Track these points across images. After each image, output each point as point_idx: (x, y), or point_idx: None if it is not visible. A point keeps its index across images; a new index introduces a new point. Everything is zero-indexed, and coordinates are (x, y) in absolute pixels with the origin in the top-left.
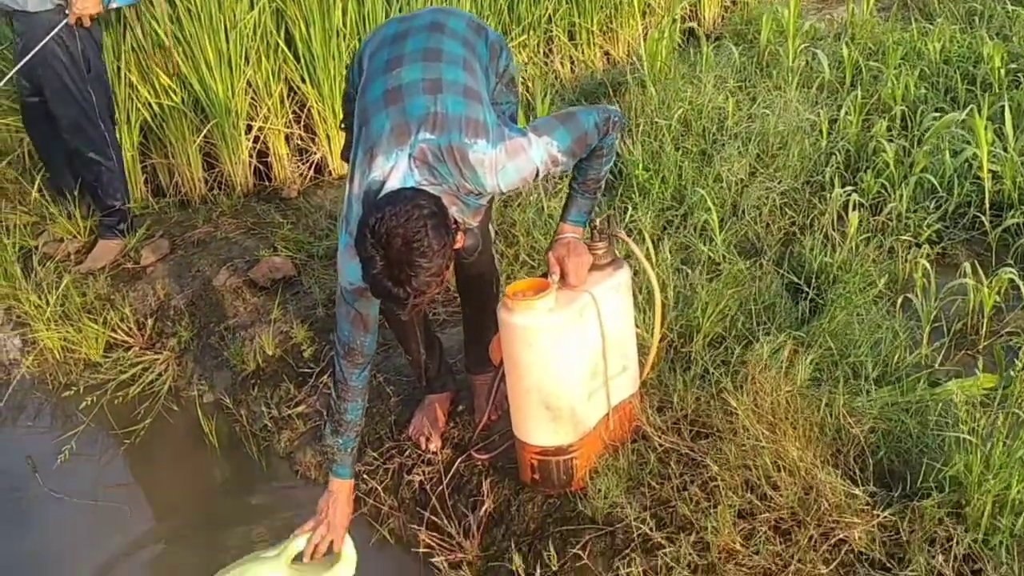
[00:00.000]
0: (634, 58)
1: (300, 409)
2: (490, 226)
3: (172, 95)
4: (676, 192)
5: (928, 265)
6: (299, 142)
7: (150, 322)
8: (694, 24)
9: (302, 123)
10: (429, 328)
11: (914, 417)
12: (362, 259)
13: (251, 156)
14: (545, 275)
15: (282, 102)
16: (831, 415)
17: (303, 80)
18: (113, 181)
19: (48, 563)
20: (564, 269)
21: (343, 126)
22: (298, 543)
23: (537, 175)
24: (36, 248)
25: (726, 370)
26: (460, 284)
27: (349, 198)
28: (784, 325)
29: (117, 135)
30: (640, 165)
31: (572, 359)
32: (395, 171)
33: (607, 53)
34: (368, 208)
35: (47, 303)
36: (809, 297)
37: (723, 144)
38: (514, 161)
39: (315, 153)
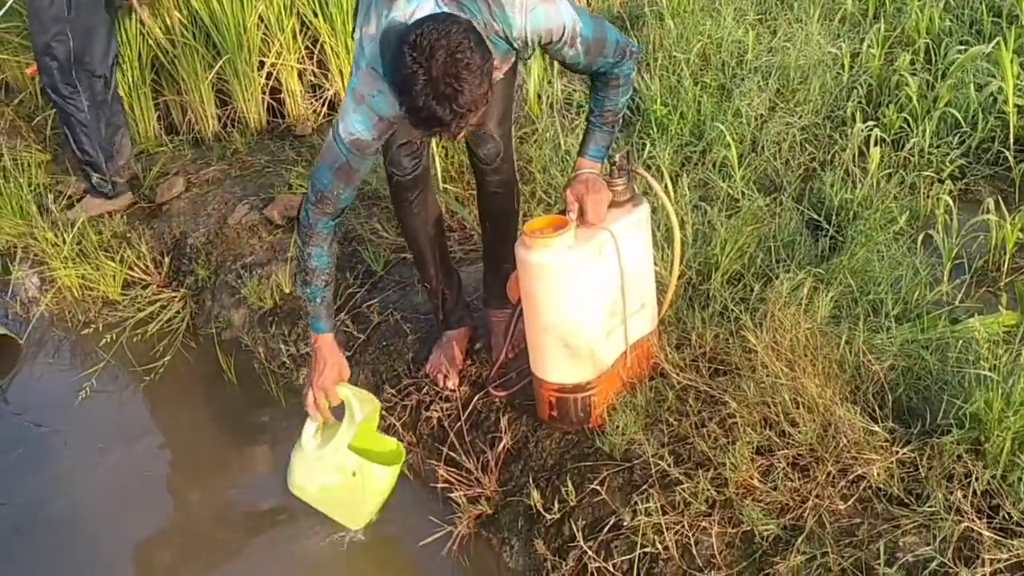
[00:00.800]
0: None
1: None
2: (512, 135)
3: (184, 31)
4: (695, 128)
5: (950, 201)
6: (312, 78)
7: (167, 260)
8: None
9: (315, 59)
10: (447, 257)
11: (934, 354)
12: (401, 80)
13: (264, 93)
14: (563, 212)
15: (294, 37)
16: (851, 352)
17: (315, 14)
18: (80, 134)
19: (71, 502)
20: (583, 206)
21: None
22: (309, 425)
23: (562, 37)
24: (50, 186)
25: (745, 307)
26: (481, 205)
27: (360, 40)
28: (804, 262)
29: (104, 88)
30: (658, 100)
31: (590, 297)
32: (419, 11)
33: None
34: (403, 31)
35: (63, 241)
36: (829, 234)
37: (743, 79)
38: (544, 5)
39: (328, 89)
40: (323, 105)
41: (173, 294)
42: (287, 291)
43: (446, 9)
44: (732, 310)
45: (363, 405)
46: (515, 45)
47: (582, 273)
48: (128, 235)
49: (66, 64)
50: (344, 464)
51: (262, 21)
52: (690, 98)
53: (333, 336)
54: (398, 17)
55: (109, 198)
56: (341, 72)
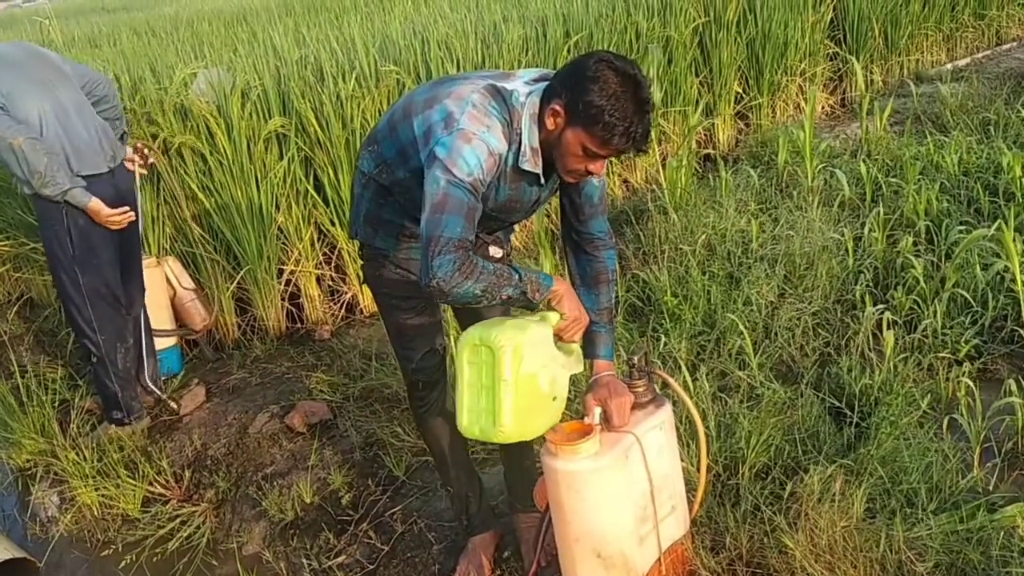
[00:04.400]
0: (653, 185)
1: (341, 560)
2: None
3: (205, 244)
4: (706, 317)
5: (971, 383)
6: (330, 283)
7: (188, 473)
8: (710, 149)
9: (332, 264)
10: (469, 459)
11: (976, 548)
12: (610, 93)
13: (283, 299)
14: (583, 417)
15: (312, 245)
16: (891, 551)
17: (332, 223)
18: (98, 366)
19: None
20: (607, 410)
21: None
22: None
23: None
24: (73, 402)
25: (778, 507)
26: None
27: (452, 99)
28: (830, 453)
29: (132, 326)
30: (668, 291)
31: (621, 503)
32: (513, 78)
33: (625, 180)
34: (586, 56)
35: (85, 459)
36: (853, 422)
37: (749, 267)
38: None
39: (346, 293)
40: (341, 308)
41: (193, 508)
42: (308, 501)
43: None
44: (765, 509)
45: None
46: None
47: (611, 479)
48: (149, 449)
49: (79, 300)
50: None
51: (281, 232)
52: (699, 288)
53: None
54: (520, 89)
55: (125, 425)
56: (358, 276)
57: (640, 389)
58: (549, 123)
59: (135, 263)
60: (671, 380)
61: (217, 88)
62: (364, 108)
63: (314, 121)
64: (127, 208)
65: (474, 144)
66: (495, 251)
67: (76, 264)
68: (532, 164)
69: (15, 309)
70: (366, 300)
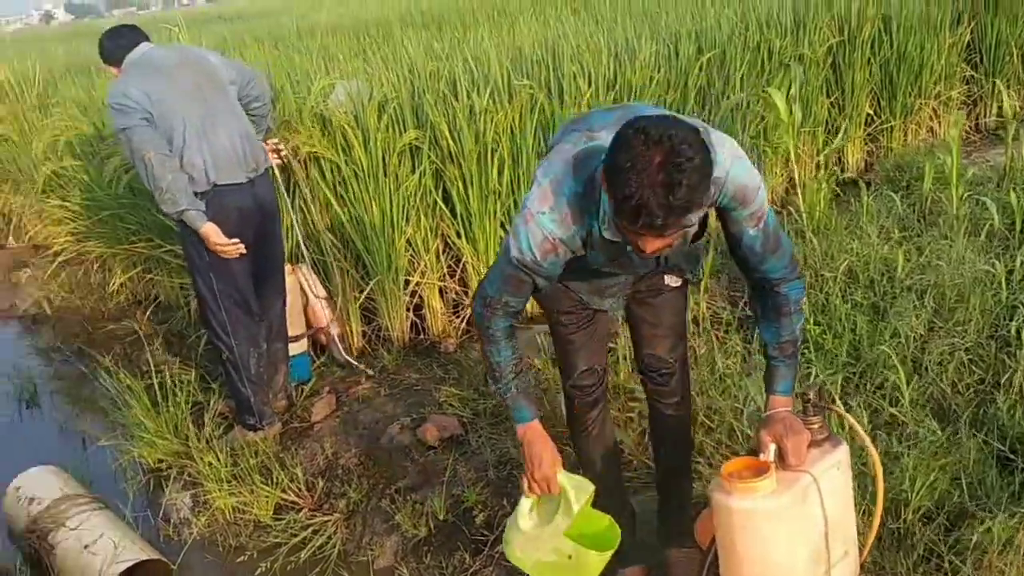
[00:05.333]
0: (790, 208)
1: None
2: (687, 360)
3: (335, 253)
4: (851, 348)
5: None
6: (453, 296)
7: (320, 482)
8: (837, 169)
9: (457, 277)
10: (623, 486)
11: None
12: (621, 163)
13: (408, 310)
14: (752, 452)
15: (438, 257)
16: None
17: (459, 235)
18: (231, 370)
19: None
20: (782, 447)
21: None
22: (524, 501)
23: (752, 203)
24: (207, 404)
25: (962, 558)
26: (655, 433)
27: (550, 163)
28: (1000, 500)
29: (266, 332)
30: (810, 319)
31: (797, 546)
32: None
33: None
34: (627, 123)
35: (220, 462)
36: (1021, 468)
37: (895, 297)
38: (748, 163)
39: (468, 306)
40: (462, 322)
41: (325, 518)
42: (441, 518)
43: None
44: (942, 556)
45: (579, 494)
46: (711, 191)
47: (787, 520)
48: (281, 456)
49: (213, 304)
50: (560, 548)
51: (409, 244)
52: (842, 316)
53: (539, 422)
54: (601, 143)
55: (257, 430)
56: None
57: (815, 426)
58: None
59: (273, 270)
60: (850, 418)
61: (356, 99)
62: (497, 122)
63: (447, 134)
64: (238, 241)
65: (531, 227)
66: (671, 280)
67: (211, 269)
68: (613, 233)
69: (149, 311)
70: None
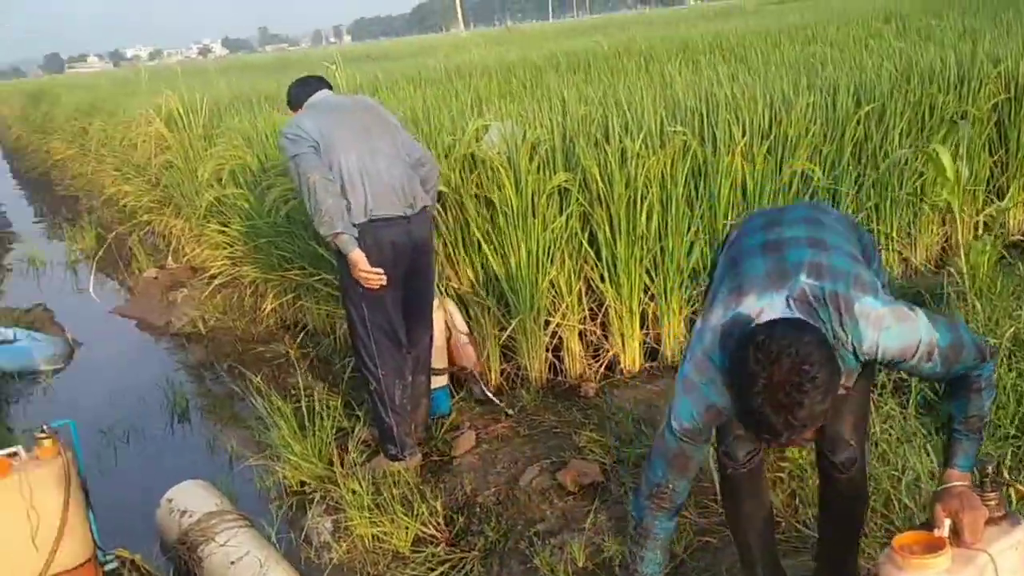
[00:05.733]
0: (949, 268)
1: None
2: (866, 441)
3: (479, 290)
4: (1019, 421)
5: None
6: (593, 339)
7: (459, 518)
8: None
9: (598, 321)
10: (776, 555)
11: None
12: (740, 379)
13: (547, 351)
14: (924, 525)
15: (579, 300)
16: None
17: (602, 279)
18: (376, 399)
19: None
20: (958, 523)
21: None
22: None
23: (915, 354)
24: (352, 431)
25: None
26: (825, 507)
27: (701, 329)
28: None
29: (412, 364)
30: None
31: None
32: (768, 310)
33: (905, 259)
34: (750, 328)
35: (363, 490)
36: None
37: None
38: (900, 325)
39: (608, 351)
40: (601, 366)
41: (463, 555)
42: (580, 565)
43: (798, 313)
44: None
45: None
46: (862, 359)
47: None
48: (421, 488)
49: (363, 334)
50: None
51: (552, 285)
52: (1008, 386)
53: None
54: (745, 311)
55: (399, 460)
56: (622, 335)
57: (993, 503)
58: None
59: (423, 304)
60: None
61: (509, 141)
62: (648, 167)
63: (598, 177)
64: (382, 272)
65: (693, 396)
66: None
67: (363, 299)
68: None
69: (299, 337)
70: (627, 361)
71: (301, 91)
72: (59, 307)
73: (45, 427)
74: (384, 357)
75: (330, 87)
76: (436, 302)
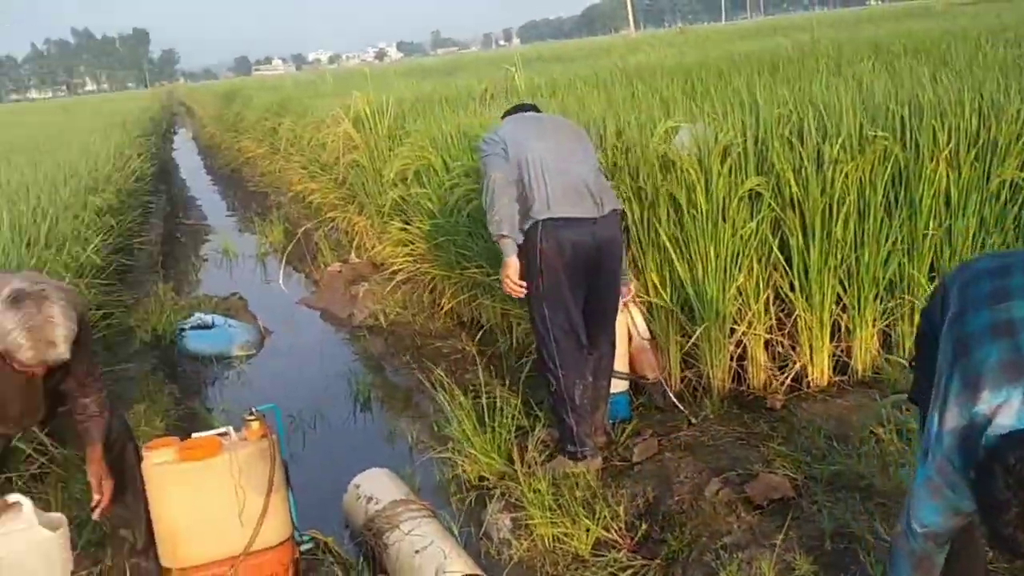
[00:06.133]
0: None
1: None
2: None
3: (662, 295)
4: None
5: None
6: (780, 349)
7: (641, 525)
8: None
9: (786, 331)
10: None
11: None
12: (990, 502)
13: (731, 359)
14: None
15: (766, 308)
16: None
17: (792, 288)
18: (555, 399)
19: None
20: None
21: (912, 365)
22: None
23: None
24: (531, 430)
25: None
26: None
27: (938, 432)
28: None
29: (595, 366)
30: None
31: None
32: (1006, 408)
33: None
34: (994, 442)
35: (545, 490)
36: None
37: None
38: None
39: (795, 362)
40: (787, 377)
41: (644, 562)
42: None
43: None
44: None
45: None
46: None
47: None
48: (602, 492)
49: (544, 333)
50: None
51: (739, 292)
52: None
53: None
54: (982, 411)
55: (579, 461)
56: (811, 347)
57: None
58: None
59: (607, 308)
60: None
61: (701, 143)
62: (848, 173)
63: (792, 182)
64: (524, 285)
65: (938, 501)
66: None
67: (544, 299)
68: None
69: (476, 334)
70: (815, 373)
71: (511, 111)
72: (250, 296)
73: (253, 410)
74: (564, 357)
75: (536, 110)
76: (621, 304)
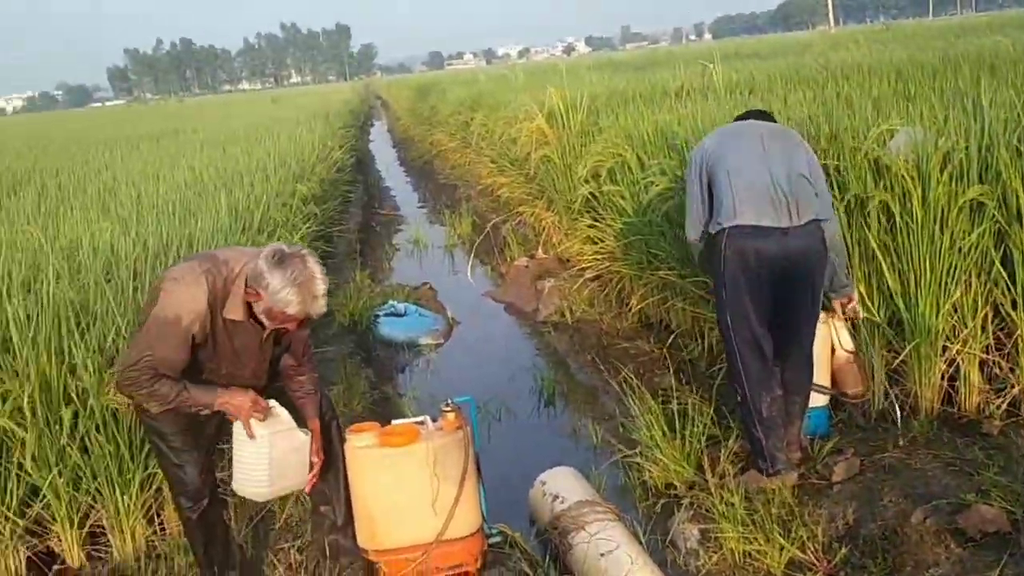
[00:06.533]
0: None
1: None
2: None
3: (869, 306)
4: None
5: None
6: (996, 371)
7: (840, 548)
8: None
9: (1005, 352)
10: None
11: None
12: None
13: (942, 378)
14: None
15: (983, 326)
16: None
17: (1014, 306)
18: (743, 411)
19: None
20: None
21: None
22: None
23: None
24: (724, 441)
25: None
26: None
27: None
28: None
29: (764, 369)
30: None
31: None
32: None
33: None
34: None
35: (738, 503)
36: None
37: None
38: None
39: (1014, 386)
40: (1004, 402)
41: None
42: None
43: None
44: None
45: None
46: None
47: None
48: (799, 510)
49: (728, 342)
50: None
51: (955, 308)
52: None
53: None
54: None
55: (770, 476)
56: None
57: None
58: None
59: (797, 322)
60: None
61: (920, 148)
62: None
63: (1020, 193)
64: None
65: None
66: None
67: (727, 307)
68: None
69: (665, 337)
70: None
71: (740, 117)
72: (439, 287)
73: (449, 401)
74: (749, 370)
75: (764, 116)
76: (822, 316)
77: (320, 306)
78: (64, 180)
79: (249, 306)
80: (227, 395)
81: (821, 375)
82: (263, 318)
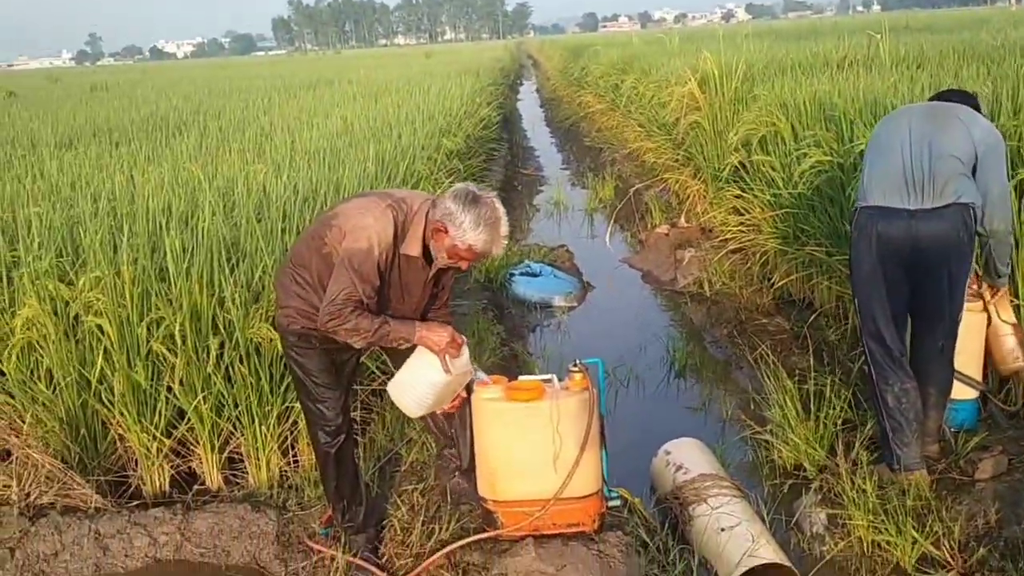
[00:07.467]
0: None
1: None
2: None
3: None
4: None
5: None
6: None
7: (978, 549)
8: None
9: None
10: None
11: None
12: None
13: None
14: None
15: None
16: None
17: None
18: (875, 401)
19: None
20: None
21: None
22: None
23: None
24: (860, 425)
25: None
26: None
27: None
28: None
29: (891, 365)
30: None
31: None
32: None
33: None
34: None
35: (871, 491)
36: None
37: None
38: None
39: None
40: None
41: None
42: None
43: None
44: None
45: None
46: None
47: None
48: (936, 505)
49: (860, 327)
50: None
51: None
52: None
53: None
54: None
55: (893, 470)
56: None
57: None
58: None
59: (929, 311)
60: None
61: None
62: None
63: None
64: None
65: None
66: None
67: (855, 293)
68: None
69: (806, 316)
70: None
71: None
72: (576, 250)
73: (577, 361)
74: (874, 356)
75: (965, 99)
76: (974, 304)
77: (502, 246)
78: (224, 123)
79: (423, 244)
80: (425, 329)
81: (971, 367)
82: (441, 255)
